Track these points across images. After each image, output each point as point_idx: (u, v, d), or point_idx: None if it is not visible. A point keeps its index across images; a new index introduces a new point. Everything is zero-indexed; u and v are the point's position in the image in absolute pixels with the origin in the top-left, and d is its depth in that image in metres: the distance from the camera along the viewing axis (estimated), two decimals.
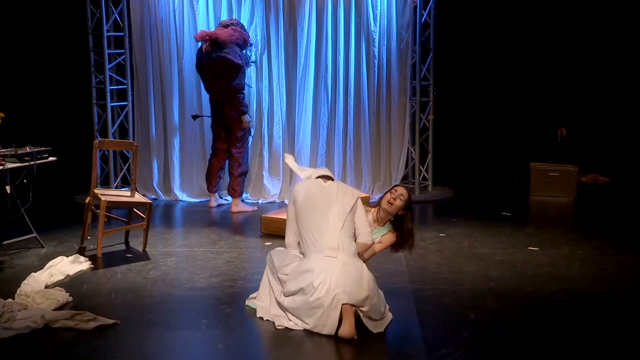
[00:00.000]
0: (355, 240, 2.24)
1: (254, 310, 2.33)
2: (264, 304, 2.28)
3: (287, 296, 2.20)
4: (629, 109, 4.43)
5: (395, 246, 2.36)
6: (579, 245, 3.09)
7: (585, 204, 3.99)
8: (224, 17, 3.91)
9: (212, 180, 3.78)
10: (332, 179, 2.33)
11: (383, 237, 2.34)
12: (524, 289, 2.54)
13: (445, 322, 2.23)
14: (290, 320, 2.20)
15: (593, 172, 4.39)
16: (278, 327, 2.19)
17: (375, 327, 2.16)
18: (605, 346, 2.07)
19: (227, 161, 3.78)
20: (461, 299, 2.43)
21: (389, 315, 2.24)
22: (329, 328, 2.12)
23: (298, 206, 2.25)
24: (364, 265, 2.20)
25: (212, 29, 3.92)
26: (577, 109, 4.45)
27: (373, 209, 2.36)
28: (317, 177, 2.32)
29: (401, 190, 2.31)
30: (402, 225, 2.31)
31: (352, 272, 2.13)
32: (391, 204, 2.28)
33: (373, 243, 2.30)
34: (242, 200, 3.84)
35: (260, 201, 3.94)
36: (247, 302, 2.38)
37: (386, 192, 2.36)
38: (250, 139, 3.83)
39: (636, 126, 4.43)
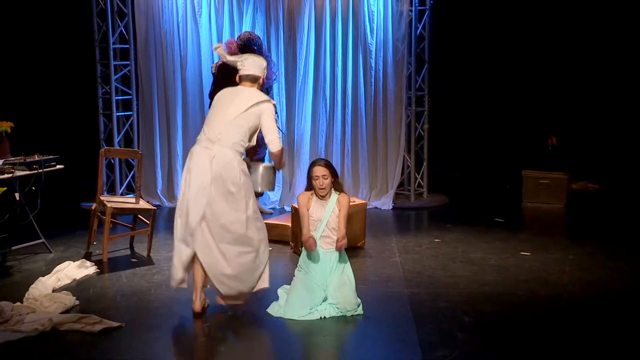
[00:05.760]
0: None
1: (256, 313, 2.40)
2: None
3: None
4: (618, 118, 4.52)
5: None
6: (570, 251, 3.16)
7: (575, 211, 4.06)
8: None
9: None
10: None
11: (339, 203, 2.47)
12: (517, 293, 2.60)
13: (441, 325, 2.29)
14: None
15: (583, 179, 4.48)
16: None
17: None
18: (596, 348, 2.12)
19: None
20: (456, 303, 2.48)
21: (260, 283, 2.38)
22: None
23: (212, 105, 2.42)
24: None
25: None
26: (567, 119, 4.54)
27: (310, 193, 2.48)
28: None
29: (320, 171, 2.45)
30: (338, 185, 2.51)
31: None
32: (323, 187, 2.45)
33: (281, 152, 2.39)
34: None
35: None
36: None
37: (309, 180, 2.48)
38: None
39: (624, 135, 4.52)
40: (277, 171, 2.54)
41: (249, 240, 2.34)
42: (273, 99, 3.91)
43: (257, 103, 2.38)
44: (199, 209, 2.30)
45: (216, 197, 2.30)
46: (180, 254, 2.34)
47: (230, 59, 2.54)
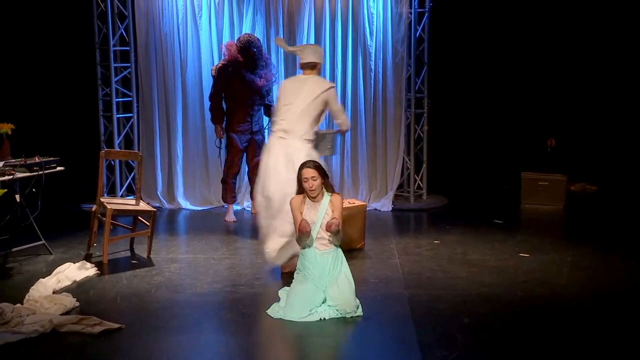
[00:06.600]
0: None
1: (256, 314, 2.42)
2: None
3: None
4: (616, 120, 4.54)
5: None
6: (568, 252, 3.17)
7: (574, 212, 4.08)
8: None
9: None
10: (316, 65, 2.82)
11: (331, 203, 2.49)
12: (516, 294, 2.62)
13: (440, 326, 2.30)
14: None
15: (582, 181, 4.50)
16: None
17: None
18: (594, 348, 2.14)
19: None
20: (455, 304, 2.50)
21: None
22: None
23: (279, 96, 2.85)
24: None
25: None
26: (565, 120, 4.56)
27: (302, 196, 2.52)
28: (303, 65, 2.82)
29: (309, 173, 2.48)
30: (329, 187, 2.54)
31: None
32: (313, 189, 2.47)
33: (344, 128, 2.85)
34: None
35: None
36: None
37: (298, 182, 2.52)
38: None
39: (623, 136, 4.54)
40: (337, 136, 2.90)
41: None
42: (273, 101, 3.96)
43: (323, 92, 2.76)
44: (276, 190, 2.69)
45: (287, 179, 2.67)
46: (266, 229, 2.76)
47: (290, 49, 3.03)
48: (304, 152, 2.72)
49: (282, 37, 4.02)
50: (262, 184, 2.79)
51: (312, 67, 2.82)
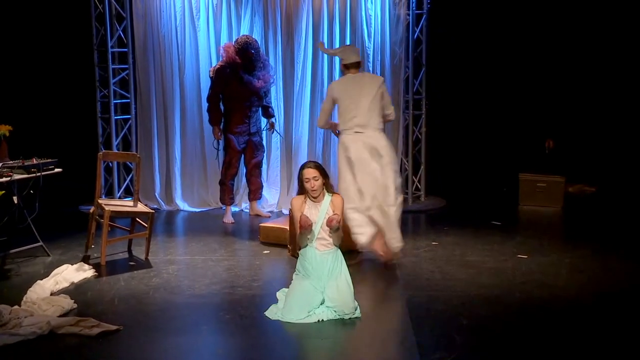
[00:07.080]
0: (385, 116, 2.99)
1: (254, 316, 2.41)
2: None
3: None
4: (614, 122, 4.56)
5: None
6: (566, 253, 3.18)
7: (572, 214, 4.09)
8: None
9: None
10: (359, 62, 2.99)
11: (332, 204, 2.49)
12: (514, 295, 2.62)
13: (438, 327, 2.30)
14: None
15: (580, 182, 4.51)
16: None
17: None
18: (593, 350, 2.14)
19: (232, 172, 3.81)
20: (453, 305, 2.50)
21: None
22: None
23: (337, 100, 2.96)
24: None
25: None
26: (564, 122, 4.58)
27: (303, 197, 2.51)
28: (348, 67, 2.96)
29: (310, 173, 2.48)
30: (330, 187, 2.55)
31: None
32: (314, 189, 2.48)
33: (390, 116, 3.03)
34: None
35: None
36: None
37: (299, 183, 2.52)
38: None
39: (621, 137, 4.56)
40: None
41: (397, 196, 2.91)
42: (271, 102, 3.96)
43: (380, 86, 2.96)
44: (368, 180, 2.85)
45: (375, 167, 2.87)
46: (355, 220, 2.88)
47: (331, 52, 3.31)
48: (383, 140, 2.91)
49: (280, 38, 4.03)
50: (349, 179, 2.90)
51: (356, 66, 2.98)
